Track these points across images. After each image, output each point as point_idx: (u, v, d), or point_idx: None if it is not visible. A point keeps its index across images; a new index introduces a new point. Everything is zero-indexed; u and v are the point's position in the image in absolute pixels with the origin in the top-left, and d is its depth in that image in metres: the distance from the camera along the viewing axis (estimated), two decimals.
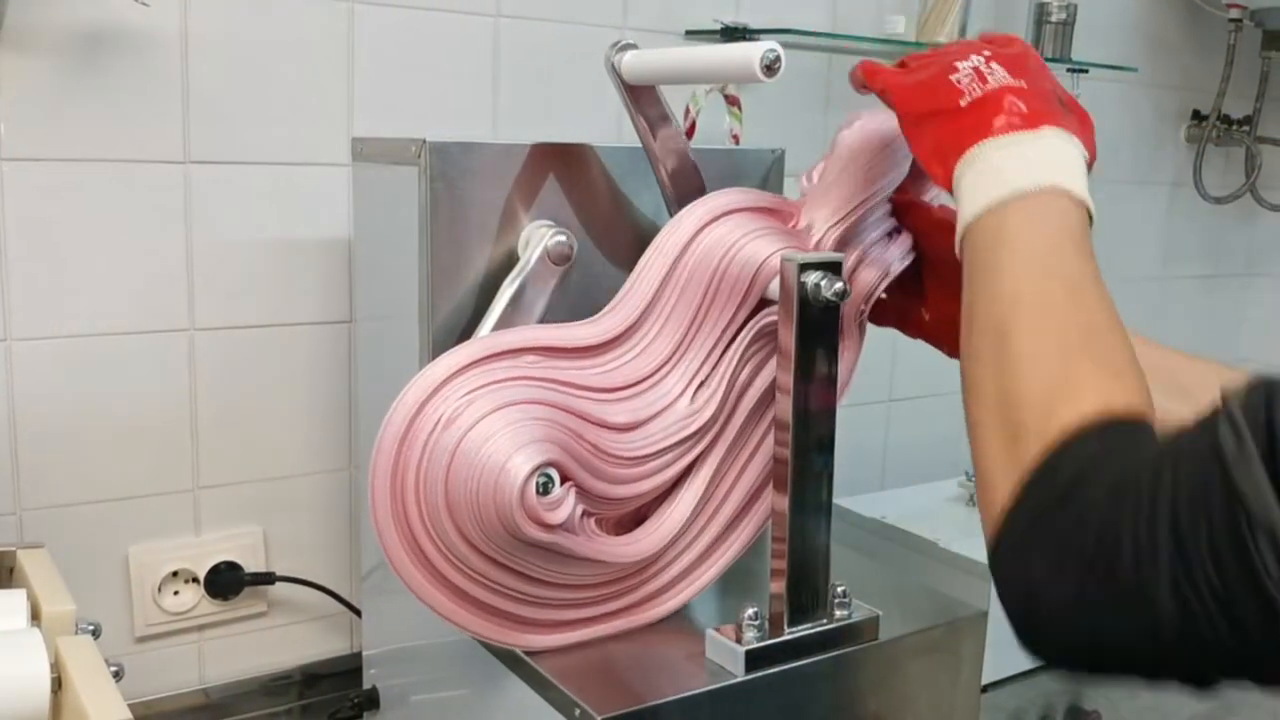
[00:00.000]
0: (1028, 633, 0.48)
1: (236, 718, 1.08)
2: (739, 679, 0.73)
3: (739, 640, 0.74)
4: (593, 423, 0.73)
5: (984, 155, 0.60)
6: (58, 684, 0.65)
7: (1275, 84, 1.75)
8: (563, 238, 0.86)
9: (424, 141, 0.84)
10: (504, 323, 0.83)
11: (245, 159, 1.03)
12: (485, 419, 0.68)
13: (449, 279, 0.86)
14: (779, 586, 0.75)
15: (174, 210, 1.00)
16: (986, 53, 0.66)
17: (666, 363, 0.78)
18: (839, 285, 0.70)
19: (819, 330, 0.72)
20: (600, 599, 0.76)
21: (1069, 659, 0.49)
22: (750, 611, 0.74)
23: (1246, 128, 1.78)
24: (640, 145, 0.90)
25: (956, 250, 0.60)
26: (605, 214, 0.93)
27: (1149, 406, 0.50)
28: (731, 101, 1.22)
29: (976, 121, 0.62)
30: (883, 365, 1.50)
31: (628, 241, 0.94)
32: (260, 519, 1.09)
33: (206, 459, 1.05)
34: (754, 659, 0.73)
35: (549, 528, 0.68)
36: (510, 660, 0.76)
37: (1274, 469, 0.41)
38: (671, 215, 0.91)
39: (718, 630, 0.75)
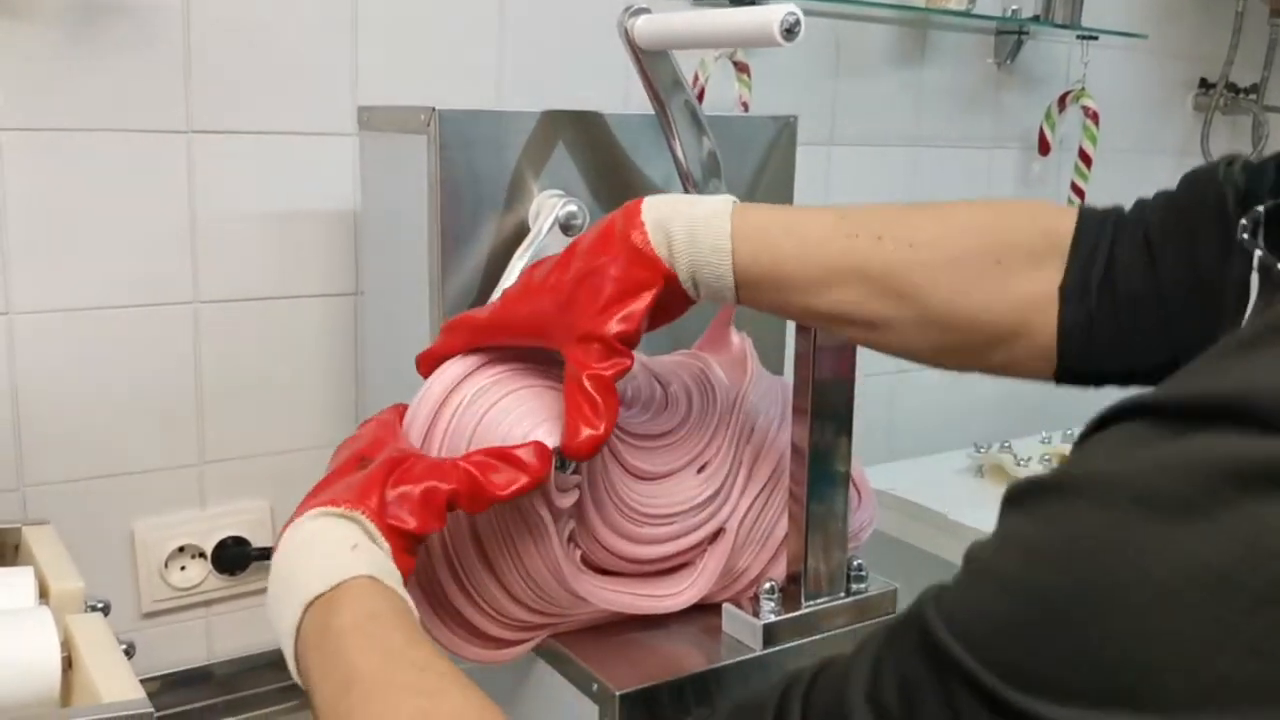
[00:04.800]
0: None
1: (244, 693, 1.07)
2: (756, 653, 0.72)
3: (756, 614, 0.73)
4: (612, 449, 0.71)
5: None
6: (68, 663, 0.64)
7: None
8: (574, 207, 0.85)
9: (433, 109, 0.82)
10: None
11: (249, 128, 1.01)
12: (511, 395, 0.67)
13: (459, 250, 0.85)
14: (796, 559, 0.74)
15: (177, 181, 0.98)
16: None
17: (674, 431, 0.74)
18: None
19: None
20: (565, 620, 0.73)
21: None
22: (767, 585, 0.73)
23: (1254, 96, 1.76)
24: (650, 112, 0.89)
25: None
26: (615, 183, 0.91)
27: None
28: (741, 68, 1.20)
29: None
30: None
31: None
32: (267, 493, 1.07)
33: (212, 433, 1.04)
34: (771, 633, 0.72)
35: (554, 509, 0.66)
36: None
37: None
38: (683, 184, 0.90)
39: (735, 604, 0.74)
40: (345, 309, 1.09)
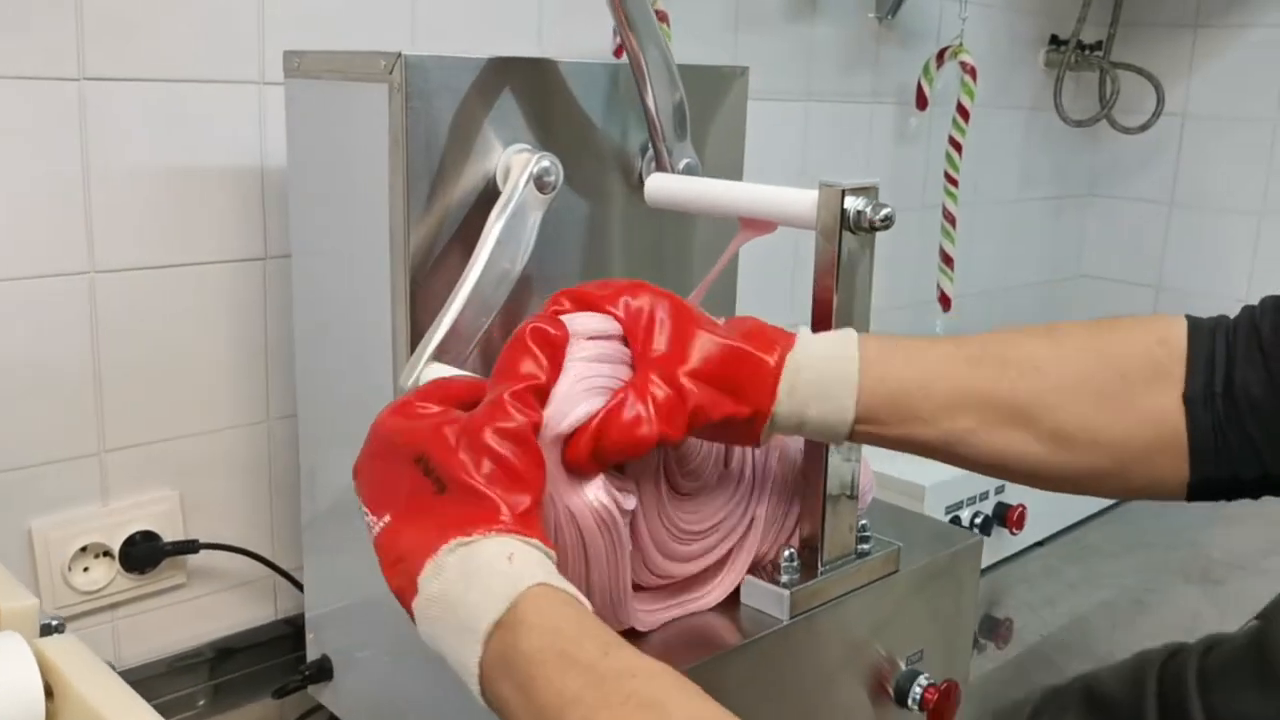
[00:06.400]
0: None
1: (158, 700, 0.98)
2: (785, 622, 0.70)
3: (777, 583, 0.71)
4: (665, 471, 0.67)
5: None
6: (47, 692, 0.55)
7: (1129, 9, 1.82)
8: (547, 163, 0.79)
9: (399, 55, 0.75)
10: (494, 261, 0.76)
11: (149, 75, 0.90)
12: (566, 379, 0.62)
13: (423, 209, 0.78)
14: (814, 529, 0.72)
15: (68, 135, 0.87)
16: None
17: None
18: (886, 211, 0.67)
19: (859, 258, 0.68)
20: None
21: None
22: (787, 553, 0.72)
23: (1099, 53, 1.85)
24: (602, 61, 0.85)
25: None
26: (572, 138, 0.86)
27: None
28: (661, 18, 1.16)
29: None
30: (782, 289, 1.49)
31: (595, 168, 0.88)
32: (176, 482, 0.97)
33: (112, 418, 0.93)
34: (796, 600, 0.71)
35: (624, 512, 0.62)
36: None
37: None
38: (651, 138, 0.86)
39: (755, 575, 0.72)
40: (252, 275, 0.99)
